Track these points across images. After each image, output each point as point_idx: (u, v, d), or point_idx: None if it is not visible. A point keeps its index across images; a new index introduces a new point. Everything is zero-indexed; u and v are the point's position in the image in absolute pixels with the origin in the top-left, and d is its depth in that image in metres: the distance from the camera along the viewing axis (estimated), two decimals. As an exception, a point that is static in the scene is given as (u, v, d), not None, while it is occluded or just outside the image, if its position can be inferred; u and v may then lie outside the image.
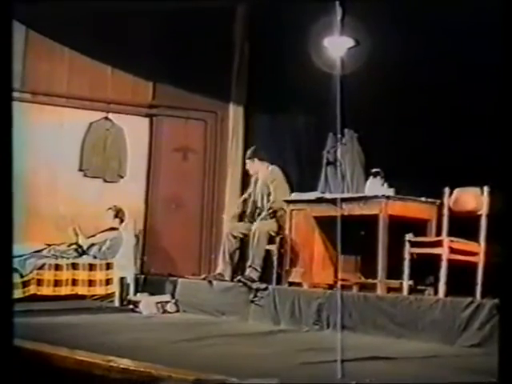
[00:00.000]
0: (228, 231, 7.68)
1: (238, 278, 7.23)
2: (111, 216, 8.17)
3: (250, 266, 7.21)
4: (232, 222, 7.90)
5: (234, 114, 9.47)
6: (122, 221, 8.20)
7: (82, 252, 7.87)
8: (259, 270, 7.19)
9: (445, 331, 5.53)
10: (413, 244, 6.25)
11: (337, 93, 4.57)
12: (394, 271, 6.31)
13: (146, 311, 7.42)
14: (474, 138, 6.60)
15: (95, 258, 7.82)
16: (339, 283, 6.49)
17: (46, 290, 7.41)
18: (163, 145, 9.42)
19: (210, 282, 7.42)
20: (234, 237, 7.53)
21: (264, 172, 7.72)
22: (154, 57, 9.06)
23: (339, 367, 3.85)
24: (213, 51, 9.01)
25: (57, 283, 7.48)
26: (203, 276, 7.85)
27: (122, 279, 7.88)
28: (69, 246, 7.91)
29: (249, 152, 7.88)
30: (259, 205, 7.65)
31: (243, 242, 7.53)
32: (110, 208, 8.23)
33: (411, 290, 6.24)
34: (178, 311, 7.54)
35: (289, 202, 7.21)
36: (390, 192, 6.52)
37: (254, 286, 6.96)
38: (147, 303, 7.50)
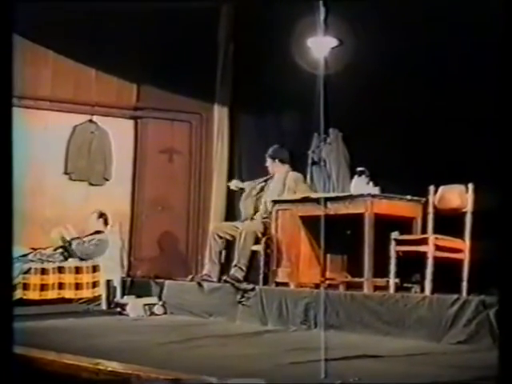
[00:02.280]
0: (213, 231, 7.68)
1: (224, 277, 7.24)
2: (95, 219, 8.16)
3: (235, 266, 7.22)
4: (216, 222, 7.90)
5: (219, 115, 9.47)
6: (106, 223, 8.19)
7: (68, 255, 7.84)
8: (244, 269, 7.19)
9: (431, 328, 5.56)
10: (399, 242, 6.28)
11: (320, 92, 4.59)
12: (381, 269, 6.33)
13: (133, 314, 7.41)
14: (459, 136, 6.65)
15: (81, 259, 7.78)
16: (324, 283, 6.54)
17: (33, 295, 7.39)
18: (148, 147, 9.41)
19: (198, 283, 7.41)
20: (220, 237, 7.54)
21: (282, 174, 7.67)
22: (138, 58, 9.07)
23: (323, 367, 3.87)
24: (197, 52, 9.02)
25: (43, 287, 7.46)
26: (190, 277, 7.84)
27: (108, 282, 7.86)
28: (55, 249, 7.89)
29: (270, 150, 7.77)
30: (266, 205, 7.58)
31: (230, 243, 7.54)
32: (93, 212, 8.22)
33: (398, 288, 6.27)
34: (165, 313, 7.52)
35: (275, 202, 7.23)
36: (376, 191, 6.55)
37: (241, 286, 6.97)
38: (134, 306, 7.49)
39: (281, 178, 7.63)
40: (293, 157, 7.75)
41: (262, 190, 7.76)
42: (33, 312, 7.16)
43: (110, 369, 4.16)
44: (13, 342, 3.88)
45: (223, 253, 7.60)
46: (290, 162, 7.71)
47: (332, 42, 7.10)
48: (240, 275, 7.16)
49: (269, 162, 7.77)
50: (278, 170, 7.71)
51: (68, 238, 7.86)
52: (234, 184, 8.12)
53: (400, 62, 7.17)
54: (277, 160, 7.70)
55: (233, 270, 7.23)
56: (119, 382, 4.03)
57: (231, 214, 9.14)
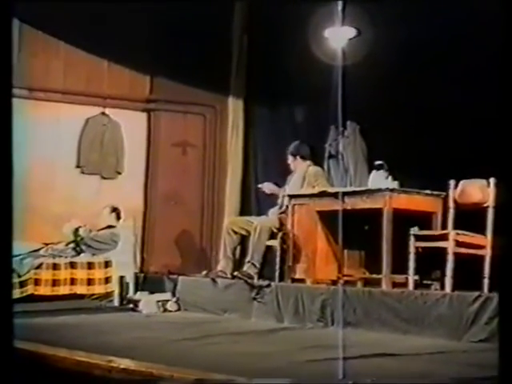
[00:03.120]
0: (228, 226, 7.66)
1: (236, 273, 7.24)
2: (107, 213, 8.18)
3: (248, 262, 7.22)
4: (231, 217, 7.86)
5: (234, 108, 9.46)
6: (118, 218, 8.20)
7: (80, 250, 7.86)
8: (258, 266, 7.19)
9: (452, 326, 5.53)
10: (418, 238, 6.25)
11: (338, 84, 4.56)
12: (399, 266, 6.31)
13: (146, 310, 7.42)
14: (480, 128, 6.59)
15: (93, 255, 7.80)
16: (342, 279, 6.53)
17: (44, 290, 7.40)
18: (161, 140, 9.41)
19: (212, 279, 7.41)
20: (235, 232, 7.52)
21: (302, 169, 7.61)
22: (152, 50, 9.05)
23: (341, 365, 3.85)
24: (211, 43, 9.00)
25: (55, 283, 7.48)
26: (204, 273, 7.84)
27: (121, 278, 7.87)
28: (67, 244, 7.90)
29: (291, 147, 7.72)
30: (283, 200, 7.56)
31: (245, 238, 7.52)
32: (106, 206, 8.23)
33: (417, 285, 6.25)
34: (178, 310, 7.53)
35: (291, 196, 7.21)
36: (394, 185, 6.51)
37: (256, 282, 6.96)
38: (147, 302, 7.50)
39: (301, 174, 7.60)
40: (314, 152, 7.71)
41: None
42: (44, 308, 7.19)
43: (122, 366, 4.16)
44: (12, 337, 3.86)
45: (238, 248, 7.59)
46: (311, 157, 7.66)
47: (350, 32, 7.05)
48: (253, 272, 7.16)
49: (290, 159, 7.72)
50: (299, 166, 7.66)
51: (81, 232, 7.87)
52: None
53: (420, 53, 7.12)
54: (298, 157, 7.66)
55: (246, 267, 7.23)
56: (133, 380, 4.03)
57: (246, 208, 9.14)
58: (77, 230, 7.84)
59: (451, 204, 6.45)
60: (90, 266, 7.71)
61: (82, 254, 7.83)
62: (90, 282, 7.68)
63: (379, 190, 6.48)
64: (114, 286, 7.80)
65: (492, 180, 6.18)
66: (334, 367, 3.91)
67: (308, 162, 7.63)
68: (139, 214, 9.11)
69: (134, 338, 5.62)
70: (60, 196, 8.77)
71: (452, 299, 5.63)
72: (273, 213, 7.61)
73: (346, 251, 6.91)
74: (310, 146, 7.72)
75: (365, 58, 7.03)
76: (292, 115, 8.87)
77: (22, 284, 7.25)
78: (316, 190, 7.06)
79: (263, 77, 9.02)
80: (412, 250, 6.23)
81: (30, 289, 7.31)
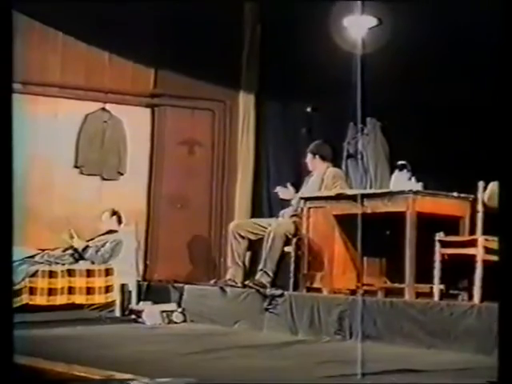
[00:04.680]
0: (233, 230, 7.64)
1: (247, 282, 7.24)
2: (108, 217, 8.19)
3: (261, 270, 7.23)
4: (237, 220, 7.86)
5: (245, 103, 9.48)
6: (120, 222, 8.22)
7: (78, 257, 7.88)
8: (271, 274, 7.19)
9: (480, 340, 5.50)
10: (444, 244, 6.24)
11: (357, 78, 4.56)
12: (424, 275, 6.30)
13: (149, 321, 7.42)
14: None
15: (93, 263, 7.83)
16: (361, 288, 6.51)
17: (40, 300, 7.42)
18: (167, 138, 9.43)
19: (221, 288, 7.41)
20: (242, 236, 7.53)
21: (321, 171, 7.59)
22: (156, 41, 9.07)
23: (359, 381, 3.85)
24: (221, 33, 9.00)
25: (51, 292, 7.49)
26: (213, 282, 7.84)
27: (123, 286, 7.90)
28: (64, 250, 7.93)
29: (312, 145, 7.69)
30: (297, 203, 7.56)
31: (253, 243, 7.52)
32: (105, 211, 8.25)
33: (443, 295, 6.23)
34: (185, 321, 7.54)
35: (306, 199, 7.21)
36: (418, 187, 6.50)
37: (268, 292, 6.96)
38: (151, 313, 7.51)
39: (319, 175, 7.59)
40: (335, 154, 7.69)
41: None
42: (40, 319, 7.20)
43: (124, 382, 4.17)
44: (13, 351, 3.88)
45: (248, 254, 7.59)
46: (332, 159, 7.65)
47: (370, 21, 7.05)
48: (266, 281, 7.16)
49: (308, 158, 7.71)
50: (318, 166, 7.65)
51: (78, 248, 7.89)
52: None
53: (445, 45, 7.11)
54: (317, 156, 7.64)
55: (258, 275, 7.23)
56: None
57: (257, 211, 9.14)
58: (79, 254, 7.87)
59: (480, 208, 6.42)
60: (90, 273, 7.73)
61: (81, 261, 7.85)
62: (89, 290, 7.70)
63: (402, 192, 6.46)
64: (115, 296, 7.82)
65: (524, 181, 6.15)
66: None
67: (327, 164, 7.62)
68: (142, 217, 9.13)
69: (137, 352, 5.62)
70: (57, 198, 8.80)
71: (481, 311, 5.61)
72: (285, 215, 7.59)
73: (365, 258, 6.90)
74: (332, 146, 7.70)
75: (386, 48, 7.02)
76: (307, 111, 8.87)
77: (17, 293, 7.26)
78: (333, 192, 7.06)
79: (277, 70, 9.03)
80: (437, 257, 6.22)
81: (24, 298, 7.33)
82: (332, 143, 7.75)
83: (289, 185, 7.75)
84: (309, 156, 7.71)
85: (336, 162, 7.69)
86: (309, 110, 7.73)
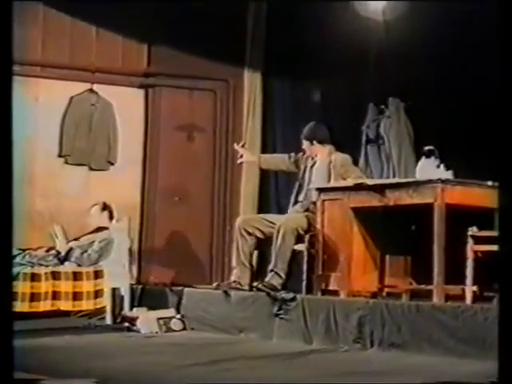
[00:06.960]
0: (240, 226, 7.62)
1: (257, 284, 7.24)
2: (97, 212, 8.18)
3: (271, 271, 7.23)
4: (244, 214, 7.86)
5: (250, 83, 9.48)
6: (111, 218, 8.21)
7: (64, 258, 7.88)
8: (283, 276, 7.20)
9: (519, 348, 5.50)
10: (477, 240, 6.23)
11: (377, 52, 4.54)
12: (454, 274, 6.30)
13: (144, 330, 7.44)
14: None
15: (79, 266, 7.82)
16: (383, 291, 6.50)
17: (21, 306, 7.41)
18: (162, 122, 9.45)
19: (225, 292, 7.42)
20: (249, 233, 7.52)
21: (324, 157, 7.57)
22: (150, 13, 9.05)
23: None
24: (223, 7, 8.98)
25: (34, 297, 7.49)
26: (215, 285, 7.85)
27: (114, 291, 7.92)
28: (47, 250, 7.93)
29: (306, 129, 7.69)
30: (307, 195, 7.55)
31: (262, 241, 7.52)
32: (94, 204, 8.24)
33: (476, 298, 6.23)
34: (184, 329, 7.56)
35: (320, 190, 7.20)
36: (448, 175, 6.49)
37: (278, 295, 6.96)
38: (146, 320, 7.53)
39: (324, 163, 7.55)
40: (333, 134, 7.64)
41: (302, 176, 7.69)
42: (21, 327, 7.19)
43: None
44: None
45: (255, 254, 7.60)
46: (332, 140, 7.61)
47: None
48: (277, 282, 7.17)
49: (305, 145, 7.66)
50: (319, 152, 7.62)
51: (61, 251, 7.88)
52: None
53: (479, 20, 7.08)
54: (315, 141, 7.60)
55: (268, 276, 7.24)
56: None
57: (265, 205, 9.14)
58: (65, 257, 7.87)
59: (518, 198, 6.41)
60: (77, 276, 7.73)
61: (67, 263, 7.85)
62: (76, 296, 7.70)
63: (429, 182, 6.45)
64: (106, 301, 7.84)
65: None
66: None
67: (329, 147, 7.58)
68: (135, 212, 9.15)
69: (131, 364, 5.63)
70: (39, 192, 8.82)
71: (519, 315, 5.61)
72: (296, 210, 7.58)
73: (387, 257, 6.91)
74: (328, 126, 7.65)
75: (411, 18, 6.99)
76: (319, 91, 8.86)
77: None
78: (350, 183, 7.04)
79: (285, 46, 9.00)
80: (470, 254, 6.22)
81: (3, 304, 7.33)
82: (327, 123, 7.70)
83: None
84: (305, 143, 7.66)
85: (337, 145, 7.62)
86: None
